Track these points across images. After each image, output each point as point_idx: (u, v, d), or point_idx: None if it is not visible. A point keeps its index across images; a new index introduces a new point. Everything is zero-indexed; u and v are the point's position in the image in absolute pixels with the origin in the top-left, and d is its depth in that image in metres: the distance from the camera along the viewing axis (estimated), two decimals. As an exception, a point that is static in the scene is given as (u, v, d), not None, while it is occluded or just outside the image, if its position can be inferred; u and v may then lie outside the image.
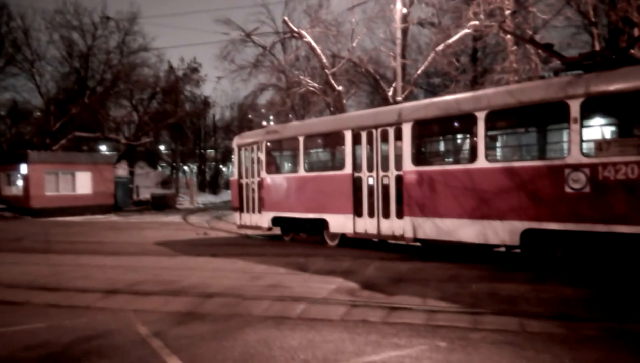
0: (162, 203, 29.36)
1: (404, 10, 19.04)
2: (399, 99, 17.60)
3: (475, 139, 8.02)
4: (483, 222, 7.85)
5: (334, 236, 10.69)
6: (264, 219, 12.03)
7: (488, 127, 7.86)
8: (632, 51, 18.36)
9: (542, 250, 7.43)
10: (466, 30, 19.77)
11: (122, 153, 35.67)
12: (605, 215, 6.48)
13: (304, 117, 27.52)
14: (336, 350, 4.10)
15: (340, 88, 21.48)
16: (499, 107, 7.78)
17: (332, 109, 22.62)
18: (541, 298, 5.58)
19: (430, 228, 8.62)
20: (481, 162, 7.88)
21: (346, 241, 10.44)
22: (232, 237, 13.92)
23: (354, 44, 21.37)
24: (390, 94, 20.74)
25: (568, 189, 6.80)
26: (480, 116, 7.86)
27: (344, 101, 22.17)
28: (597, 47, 19.43)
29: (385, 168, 9.44)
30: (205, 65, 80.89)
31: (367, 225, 9.75)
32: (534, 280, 6.57)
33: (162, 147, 47.42)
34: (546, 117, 7.60)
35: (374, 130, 9.66)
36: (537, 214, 7.17)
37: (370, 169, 9.72)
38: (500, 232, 7.62)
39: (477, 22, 19.45)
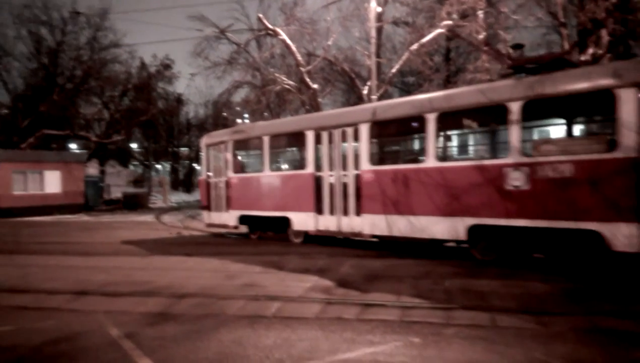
0: (134, 203, 28.87)
1: (379, 9, 19.14)
2: (374, 97, 17.72)
3: (426, 139, 8.46)
4: (432, 219, 8.31)
5: (298, 233, 10.98)
6: (231, 218, 12.33)
7: (438, 128, 8.35)
8: (598, 51, 18.87)
9: (488, 245, 7.91)
10: (440, 30, 20.00)
11: (92, 151, 34.91)
12: (543, 211, 6.97)
13: (279, 115, 27.44)
14: (311, 348, 4.10)
15: (315, 86, 21.49)
16: (449, 108, 8.24)
17: (307, 107, 22.62)
18: (512, 294, 5.69)
19: (386, 225, 9.02)
20: (431, 162, 8.37)
21: (310, 238, 10.73)
22: (206, 236, 13.78)
23: (329, 42, 21.41)
24: (365, 92, 20.85)
25: (509, 187, 7.31)
26: (431, 117, 8.34)
27: (320, 99, 22.18)
28: (567, 48, 19.93)
29: (345, 167, 9.84)
30: (178, 62, 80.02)
31: (328, 222, 10.13)
32: (505, 276, 6.70)
33: (134, 145, 46.56)
34: (490, 118, 7.99)
35: (334, 131, 10.06)
36: (483, 211, 7.64)
37: (331, 168, 10.10)
38: (450, 228, 8.08)
39: (450, 22, 19.71)
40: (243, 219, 12.16)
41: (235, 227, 12.36)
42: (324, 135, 10.23)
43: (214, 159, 13.06)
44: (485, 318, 4.76)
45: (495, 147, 8.25)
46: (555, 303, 5.26)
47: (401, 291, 5.94)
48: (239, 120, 38.54)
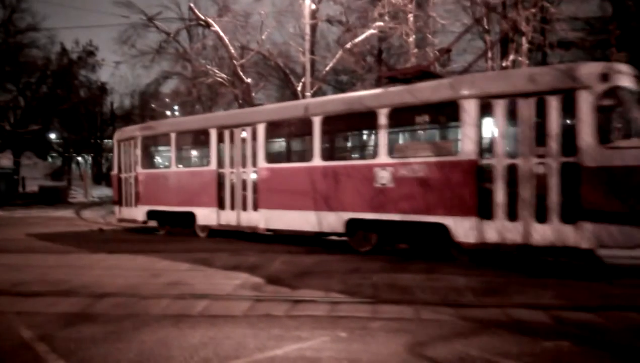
0: (52, 197, 27.15)
1: (313, 6, 19.22)
2: (307, 94, 17.78)
3: (312, 140, 9.18)
4: (318, 213, 9.01)
5: (203, 228, 11.37)
6: (139, 212, 12.58)
7: (322, 130, 9.06)
8: (518, 58, 20.03)
9: (363, 237, 8.73)
10: (372, 31, 20.41)
11: (6, 141, 32.42)
12: (405, 206, 7.86)
13: (211, 108, 26.84)
14: (238, 346, 4.04)
15: (249, 80, 21.22)
16: (332, 113, 9.05)
17: (240, 101, 22.28)
18: (435, 287, 5.93)
19: (278, 219, 9.69)
20: (317, 161, 9.10)
21: (215, 233, 11.11)
22: (130, 232, 13.23)
23: (264, 37, 21.22)
24: (299, 88, 20.87)
25: (378, 185, 8.16)
26: (316, 120, 9.08)
27: (253, 94, 21.94)
28: (490, 54, 21.02)
29: (244, 165, 10.36)
30: (102, 49, 75.75)
31: (229, 217, 10.60)
32: (429, 271, 6.98)
33: (52, 136, 43.75)
34: (364, 123, 8.79)
35: (235, 130, 10.56)
36: (357, 206, 8.47)
37: (232, 166, 10.59)
38: (331, 221, 8.83)
39: (382, 23, 20.16)
40: (152, 214, 12.43)
41: (144, 222, 12.63)
42: (227, 134, 10.69)
43: (125, 155, 13.27)
44: (410, 312, 4.92)
45: (368, 149, 9.11)
46: (474, 296, 5.54)
47: (330, 286, 6.01)
48: (168, 113, 37.29)
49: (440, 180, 7.48)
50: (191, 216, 11.35)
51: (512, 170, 6.93)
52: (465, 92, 7.36)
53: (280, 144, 10.53)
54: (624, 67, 6.95)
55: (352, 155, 9.59)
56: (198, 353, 3.91)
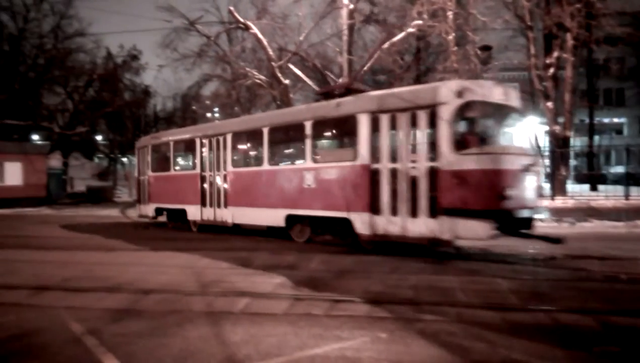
0: (98, 196, 28.16)
1: (351, 6, 19.16)
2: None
3: (262, 147, 10.74)
4: (267, 210, 10.49)
5: (194, 223, 13.02)
6: (150, 209, 14.67)
7: (269, 139, 10.56)
8: (562, 54, 19.38)
9: (300, 230, 10.15)
10: (410, 30, 20.17)
11: (55, 143, 33.82)
12: (323, 203, 9.25)
13: (249, 110, 27.19)
14: (279, 344, 4.08)
15: (287, 81, 21.37)
16: (275, 124, 10.67)
17: (278, 102, 22.48)
18: (476, 290, 5.81)
19: (241, 215, 11.31)
20: (265, 166, 10.70)
21: (203, 227, 12.67)
22: (173, 230, 13.56)
23: (301, 38, 21.32)
24: (336, 89, 20.87)
25: (306, 185, 9.57)
26: (265, 131, 10.62)
27: (291, 95, 22.10)
28: (533, 51, 20.44)
29: (218, 168, 11.99)
30: (146, 53, 78.22)
31: (208, 213, 12.32)
32: (471, 273, 6.84)
33: (99, 137, 45.31)
34: (297, 133, 9.96)
35: (213, 139, 12.21)
36: (293, 203, 9.89)
37: (210, 169, 12.28)
38: (276, 217, 10.25)
39: (420, 22, 19.90)
40: (159, 211, 14.41)
41: (154, 217, 14.64)
42: (207, 142, 12.43)
43: (142, 160, 15.36)
44: (451, 314, 4.83)
45: (299, 155, 10.22)
46: (517, 299, 5.40)
47: (369, 287, 5.99)
48: (208, 114, 38.02)
49: (345, 181, 8.82)
50: (184, 212, 13.15)
51: (394, 173, 8.11)
52: (361, 107, 8.65)
53: (242, 151, 12.12)
54: (479, 84, 8.09)
55: (290, 161, 10.90)
56: (240, 350, 3.97)
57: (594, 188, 21.43)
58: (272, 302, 5.38)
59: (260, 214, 10.67)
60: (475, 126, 7.94)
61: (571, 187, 20.48)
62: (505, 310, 4.93)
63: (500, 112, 8.19)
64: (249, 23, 20.90)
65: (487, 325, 4.49)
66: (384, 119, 8.25)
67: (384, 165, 8.23)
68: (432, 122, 7.65)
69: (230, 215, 11.55)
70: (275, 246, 9.67)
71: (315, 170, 9.40)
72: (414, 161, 7.88)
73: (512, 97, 8.13)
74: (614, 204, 16.13)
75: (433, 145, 7.64)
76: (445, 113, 7.48)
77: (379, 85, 32.14)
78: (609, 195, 16.77)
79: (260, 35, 20.72)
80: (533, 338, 4.13)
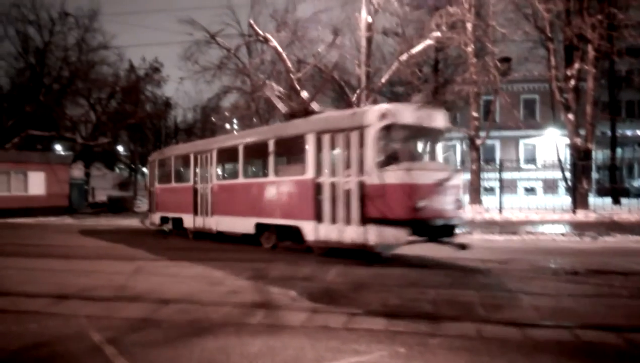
0: (119, 206, 28.52)
1: (369, 19, 19.26)
2: (363, 105, 17.77)
3: (238, 162, 11.98)
4: (242, 218, 11.55)
5: (190, 230, 14.13)
6: (156, 218, 16.05)
7: (244, 155, 11.80)
8: (584, 66, 19.16)
9: (267, 236, 11.06)
10: (429, 41, 20.16)
11: (78, 153, 34.49)
12: (282, 212, 10.32)
13: (268, 121, 27.37)
14: (296, 357, 4.06)
15: (305, 93, 21.48)
16: (248, 142, 11.85)
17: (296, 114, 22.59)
18: (496, 305, 5.72)
19: (223, 223, 12.40)
20: (241, 179, 11.96)
21: (199, 235, 13.58)
22: (193, 241, 13.66)
23: (320, 50, 21.46)
24: (354, 100, 20.92)
25: (269, 197, 10.68)
26: (240, 148, 11.83)
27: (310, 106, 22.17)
28: (553, 62, 20.24)
29: (206, 181, 13.19)
30: (167, 65, 79.42)
31: (199, 221, 13.46)
32: (490, 288, 6.74)
33: (120, 148, 46.13)
34: (263, 149, 10.93)
35: (202, 154, 13.45)
36: (260, 213, 10.99)
37: (201, 181, 13.43)
38: (249, 224, 11.25)
39: (439, 34, 19.88)
40: (164, 219, 15.59)
41: (160, 225, 15.79)
42: (198, 157, 13.61)
43: (152, 173, 16.88)
44: (471, 329, 4.76)
45: (265, 170, 11.29)
46: (538, 315, 5.30)
47: (387, 300, 5.94)
48: (227, 126, 38.39)
49: (297, 193, 9.87)
50: (182, 220, 14.38)
51: (333, 186, 9.05)
52: (308, 128, 9.72)
53: (224, 165, 13.38)
54: (401, 107, 9.01)
55: (258, 174, 12.01)
56: (257, 361, 3.96)
57: (616, 201, 21.02)
58: (289, 314, 5.38)
59: (237, 222, 11.80)
60: (398, 145, 8.73)
61: (593, 200, 20.12)
62: (527, 326, 4.84)
63: (422, 132, 9.24)
64: (269, 36, 21.15)
65: (508, 341, 4.42)
66: (326, 139, 9.28)
67: (326, 179, 9.23)
68: (362, 142, 8.58)
69: (215, 223, 12.69)
70: (293, 257, 9.63)
71: (277, 183, 10.50)
72: (348, 176, 8.83)
73: (435, 118, 9.10)
74: (637, 218, 15.78)
75: (362, 162, 8.60)
76: (370, 134, 8.45)
77: (397, 97, 32.12)
78: (632, 209, 16.42)
79: (279, 48, 20.94)
80: (555, 355, 4.04)
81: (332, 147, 9.19)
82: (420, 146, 9.90)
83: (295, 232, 9.90)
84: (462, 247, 8.53)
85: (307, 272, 7.99)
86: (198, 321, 5.15)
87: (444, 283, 7.02)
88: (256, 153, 11.60)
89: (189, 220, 13.92)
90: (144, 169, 47.10)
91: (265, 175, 11.15)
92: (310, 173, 9.50)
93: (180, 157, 15.05)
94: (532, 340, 4.46)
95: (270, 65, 24.07)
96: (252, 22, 21.60)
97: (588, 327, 4.78)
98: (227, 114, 37.82)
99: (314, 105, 11.56)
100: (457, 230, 8.95)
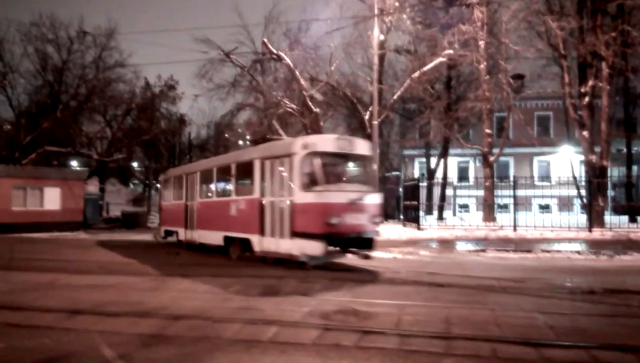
0: (133, 221, 28.69)
1: (382, 37, 19.41)
2: (374, 123, 17.83)
3: (212, 183, 13.88)
4: (215, 232, 13.04)
5: (183, 242, 15.70)
6: (162, 231, 18.01)
7: (217, 176, 13.60)
8: (598, 83, 18.97)
9: (232, 248, 12.38)
10: (441, 59, 20.22)
11: (93, 169, 34.92)
12: (240, 227, 11.75)
13: (281, 138, 27.48)
14: None
15: (317, 110, 21.62)
16: (220, 166, 13.56)
17: (309, 130, 22.70)
18: (511, 324, 5.63)
19: (203, 236, 14.04)
20: (214, 198, 13.76)
21: (191, 246, 15.08)
22: (207, 257, 13.68)
23: (332, 68, 21.63)
24: (367, 117, 20.98)
25: (232, 213, 12.08)
26: (214, 170, 13.67)
27: (321, 123, 22.30)
28: (567, 80, 20.15)
29: (193, 199, 14.98)
30: (182, 83, 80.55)
31: (188, 234, 15.29)
32: (504, 307, 6.63)
33: (135, 164, 46.61)
34: (229, 172, 12.58)
35: (190, 176, 15.34)
36: (226, 227, 12.45)
37: (190, 199, 15.28)
38: (219, 237, 12.71)
39: (451, 52, 19.94)
40: (168, 232, 17.43)
41: (164, 238, 17.72)
42: (189, 178, 15.41)
43: (160, 191, 19.00)
44: (485, 348, 4.68)
45: (230, 190, 12.79)
46: (554, 334, 5.20)
47: (401, 318, 5.88)
48: (240, 142, 38.67)
49: (248, 211, 11.27)
50: (177, 233, 16.25)
51: (272, 205, 10.46)
52: (254, 155, 11.31)
53: (204, 185, 14.70)
54: (322, 138, 10.97)
55: (226, 194, 13.11)
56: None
57: (633, 219, 20.65)
58: (301, 331, 5.34)
59: (211, 235, 13.37)
60: (320, 170, 9.63)
61: (609, 218, 19.80)
62: (543, 347, 4.75)
63: (343, 158, 10.60)
64: (282, 54, 21.37)
65: (523, 360, 4.34)
66: (268, 164, 10.73)
67: (267, 199, 10.64)
68: (291, 167, 9.87)
69: (198, 235, 14.48)
70: (303, 274, 9.60)
71: (237, 202, 11.95)
72: (282, 196, 10.17)
73: (356, 146, 10.50)
74: (656, 237, 15.49)
75: (291, 185, 9.86)
76: (296, 160, 9.73)
77: (409, 113, 32.15)
78: (650, 227, 16.11)
79: (292, 66, 21.12)
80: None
81: (272, 171, 10.60)
82: (347, 170, 11.22)
83: (250, 244, 11.22)
84: (366, 257, 10.30)
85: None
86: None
87: (458, 301, 6.94)
88: (225, 175, 13.12)
89: (182, 233, 15.75)
90: (158, 185, 47.58)
91: (230, 194, 12.66)
92: (257, 193, 10.97)
93: (177, 178, 16.92)
94: (549, 360, 4.38)
95: (283, 82, 24.28)
96: (265, 40, 21.87)
97: (605, 348, 4.68)
98: (240, 130, 38.12)
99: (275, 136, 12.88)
100: (373, 243, 10.33)
